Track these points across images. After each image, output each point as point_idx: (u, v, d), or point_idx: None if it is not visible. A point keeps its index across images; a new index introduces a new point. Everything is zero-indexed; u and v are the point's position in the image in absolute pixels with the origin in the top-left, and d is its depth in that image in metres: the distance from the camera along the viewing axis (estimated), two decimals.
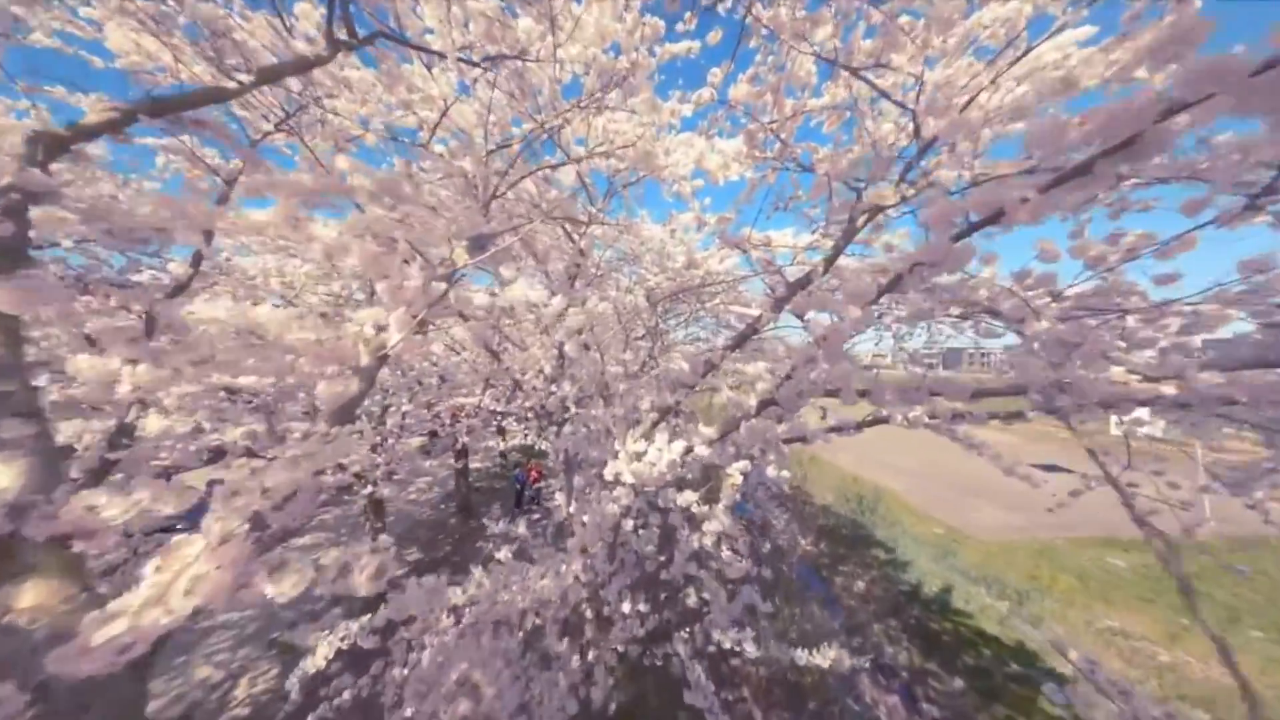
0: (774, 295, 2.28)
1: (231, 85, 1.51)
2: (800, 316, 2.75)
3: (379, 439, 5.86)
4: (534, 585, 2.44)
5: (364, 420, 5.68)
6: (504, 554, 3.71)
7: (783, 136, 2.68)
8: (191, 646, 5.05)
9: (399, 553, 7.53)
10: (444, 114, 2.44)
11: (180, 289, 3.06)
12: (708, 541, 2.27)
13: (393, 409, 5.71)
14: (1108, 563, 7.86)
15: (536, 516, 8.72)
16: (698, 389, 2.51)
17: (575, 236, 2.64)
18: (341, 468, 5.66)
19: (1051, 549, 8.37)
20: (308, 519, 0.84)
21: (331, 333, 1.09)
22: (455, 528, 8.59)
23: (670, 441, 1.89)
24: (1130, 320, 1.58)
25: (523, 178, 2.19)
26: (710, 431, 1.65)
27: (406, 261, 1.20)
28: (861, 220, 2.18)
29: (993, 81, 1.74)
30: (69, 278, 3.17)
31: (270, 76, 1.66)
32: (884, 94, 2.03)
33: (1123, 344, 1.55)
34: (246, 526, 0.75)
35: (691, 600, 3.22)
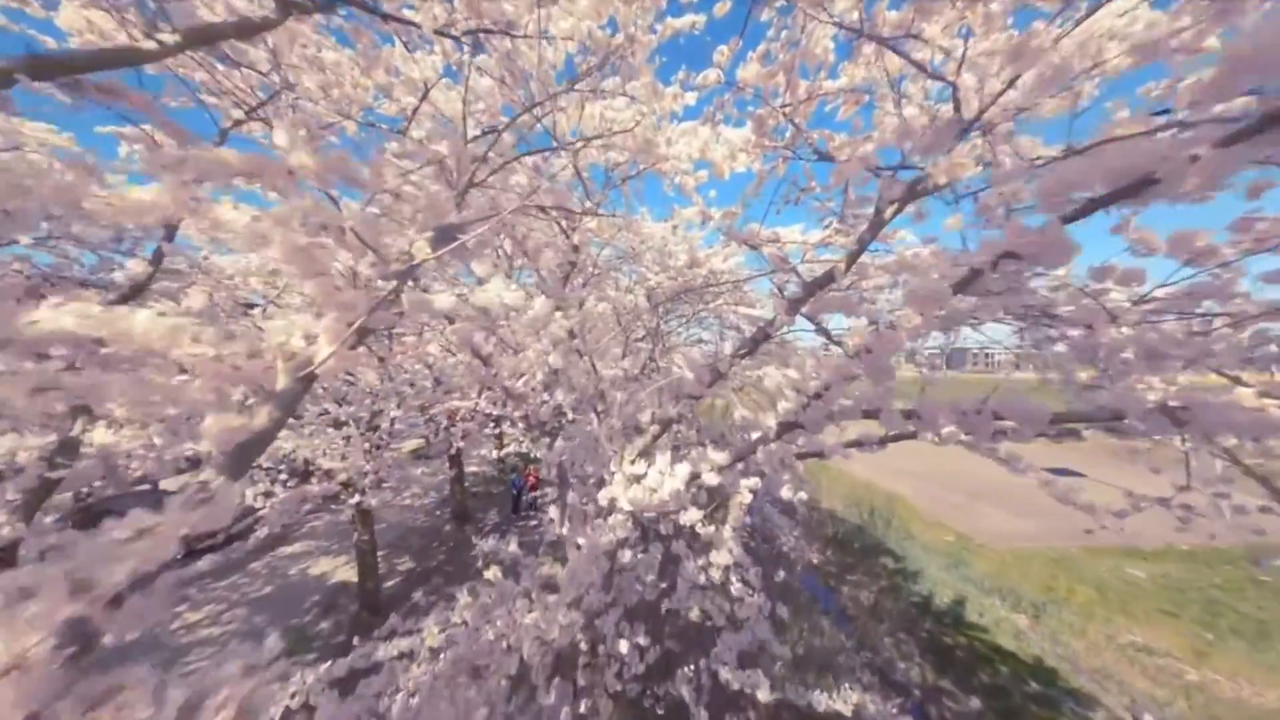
0: (788, 296, 2.05)
1: (150, 46, 1.26)
2: (813, 320, 2.50)
3: (369, 446, 5.63)
4: (521, 620, 2.19)
5: (352, 426, 5.44)
6: (493, 573, 3.48)
7: (796, 121, 2.43)
8: (164, 667, 4.82)
9: (390, 563, 7.29)
10: (423, 97, 2.21)
11: (138, 289, 2.78)
12: (715, 574, 2.03)
13: (383, 414, 5.47)
14: (1127, 573, 7.57)
15: (534, 523, 8.48)
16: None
17: (569, 231, 2.40)
18: (329, 476, 5.42)
19: (1068, 558, 8.09)
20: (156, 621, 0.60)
21: (239, 346, 0.84)
22: (450, 535, 8.34)
23: (674, 461, 1.65)
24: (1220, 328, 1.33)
25: (506, 163, 1.94)
26: (721, 457, 1.41)
27: (338, 257, 0.96)
28: (890, 210, 1.93)
29: (1055, 43, 1.49)
30: (35, 276, 2.91)
31: (201, 39, 1.40)
32: (919, 66, 1.78)
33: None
34: (52, 644, 0.50)
35: (695, 614, 2.97)
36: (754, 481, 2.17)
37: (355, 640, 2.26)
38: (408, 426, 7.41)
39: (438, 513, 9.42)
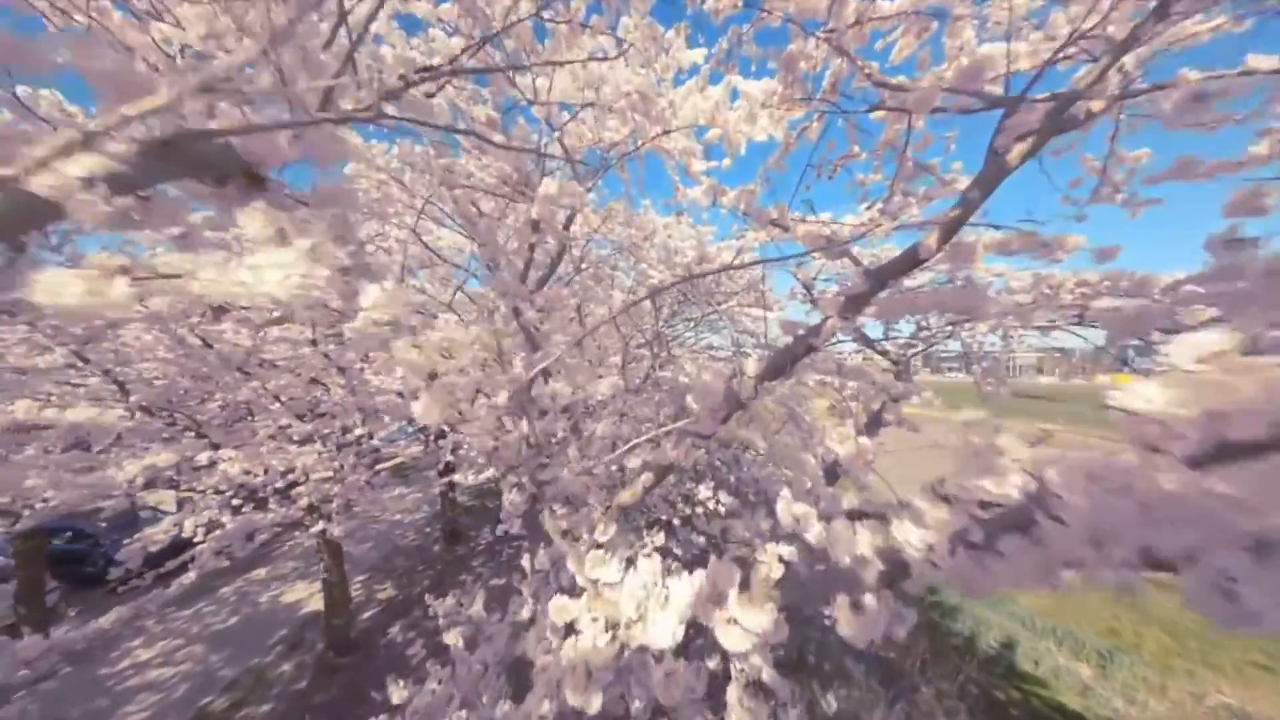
0: (841, 294, 1.35)
1: None
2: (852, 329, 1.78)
3: (339, 465, 5.01)
4: None
5: (317, 443, 4.83)
6: (453, 638, 2.80)
7: (845, 46, 1.74)
8: (102, 716, 4.23)
9: (370, 589, 6.67)
10: (339, 24, 1.56)
11: None
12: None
13: (351, 430, 4.84)
14: None
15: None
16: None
17: (521, 190, 1.73)
18: (288, 498, 4.80)
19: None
20: None
21: None
22: (439, 556, 7.70)
23: (664, 562, 0.96)
24: None
25: (411, 84, 1.27)
26: (761, 620, 0.72)
27: None
28: (1017, 151, 1.24)
29: None
30: None
31: None
32: None
33: None
34: None
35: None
36: (788, 551, 1.46)
37: None
38: (386, 443, 6.78)
39: (428, 529, 8.79)
